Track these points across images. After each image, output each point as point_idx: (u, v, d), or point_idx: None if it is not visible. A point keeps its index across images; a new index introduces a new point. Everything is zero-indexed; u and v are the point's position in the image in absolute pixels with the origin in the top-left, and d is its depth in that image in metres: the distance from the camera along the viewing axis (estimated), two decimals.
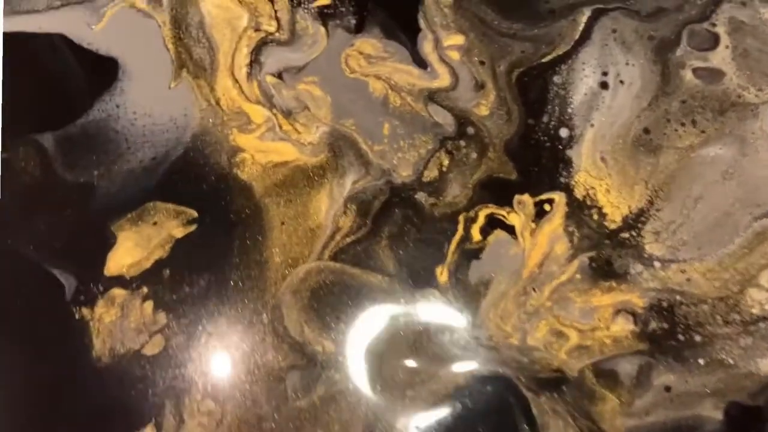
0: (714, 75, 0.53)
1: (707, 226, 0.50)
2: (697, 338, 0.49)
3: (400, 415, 0.49)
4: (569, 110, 0.53)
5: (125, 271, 0.51)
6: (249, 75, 0.55)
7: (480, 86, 0.54)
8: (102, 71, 0.55)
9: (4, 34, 0.56)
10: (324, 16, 0.56)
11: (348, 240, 0.52)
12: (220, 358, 0.50)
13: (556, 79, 0.53)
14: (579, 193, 0.51)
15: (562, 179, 0.52)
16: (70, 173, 0.53)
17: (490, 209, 0.52)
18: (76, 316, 0.51)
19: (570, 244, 0.51)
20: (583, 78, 0.53)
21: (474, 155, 0.53)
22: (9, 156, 0.54)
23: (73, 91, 0.55)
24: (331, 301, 0.51)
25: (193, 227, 0.52)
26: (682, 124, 0.52)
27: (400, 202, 0.52)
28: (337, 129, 0.54)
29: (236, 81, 0.55)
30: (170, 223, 0.52)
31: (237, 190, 0.53)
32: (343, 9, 0.56)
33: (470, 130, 0.53)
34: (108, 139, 0.54)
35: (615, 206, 0.51)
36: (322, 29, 0.55)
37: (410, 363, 0.49)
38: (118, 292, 0.51)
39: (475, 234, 0.51)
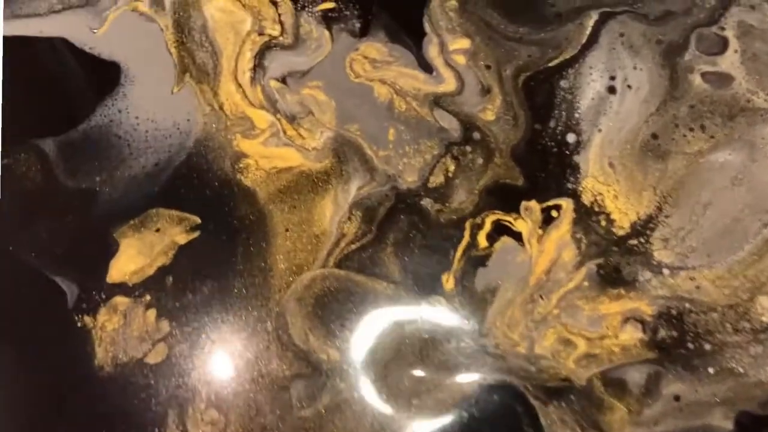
0: (723, 79, 0.52)
1: (716, 233, 0.50)
2: (707, 347, 0.48)
3: (406, 425, 0.48)
4: (576, 115, 0.52)
5: (128, 278, 0.51)
6: (253, 79, 0.54)
7: (486, 91, 0.53)
8: (104, 76, 0.54)
9: (5, 38, 0.55)
10: (328, 19, 0.55)
11: (353, 247, 0.51)
12: (224, 367, 0.50)
13: (563, 83, 0.53)
14: (587, 199, 0.51)
15: (569, 185, 0.51)
16: (71, 179, 0.53)
17: (497, 215, 0.51)
18: (78, 324, 0.50)
19: (578, 251, 0.50)
20: (591, 82, 0.53)
21: (480, 161, 0.52)
22: (10, 162, 0.53)
23: (74, 96, 0.55)
24: (336, 309, 0.50)
25: (196, 234, 0.52)
26: (691, 129, 0.52)
27: (406, 208, 0.52)
28: (341, 134, 0.53)
29: (240, 86, 0.54)
30: (173, 230, 0.52)
31: (241, 196, 0.52)
32: (348, 13, 0.55)
33: (476, 135, 0.53)
34: (110, 145, 0.53)
35: (623, 212, 0.51)
36: (327, 33, 0.55)
37: (416, 371, 0.49)
38: (120, 300, 0.51)
39: (482, 240, 0.51)
